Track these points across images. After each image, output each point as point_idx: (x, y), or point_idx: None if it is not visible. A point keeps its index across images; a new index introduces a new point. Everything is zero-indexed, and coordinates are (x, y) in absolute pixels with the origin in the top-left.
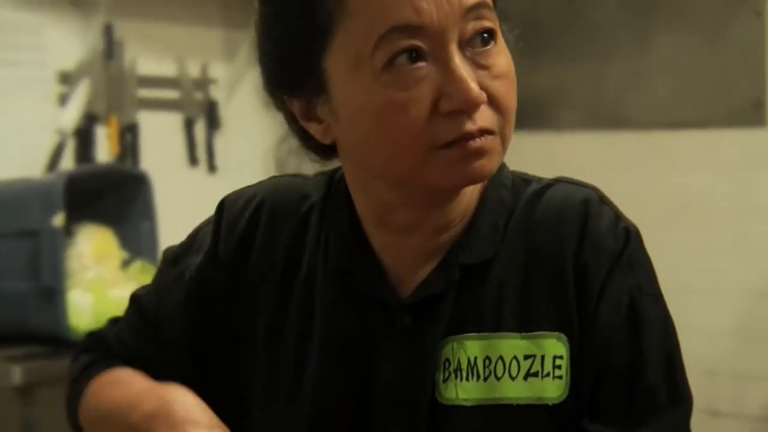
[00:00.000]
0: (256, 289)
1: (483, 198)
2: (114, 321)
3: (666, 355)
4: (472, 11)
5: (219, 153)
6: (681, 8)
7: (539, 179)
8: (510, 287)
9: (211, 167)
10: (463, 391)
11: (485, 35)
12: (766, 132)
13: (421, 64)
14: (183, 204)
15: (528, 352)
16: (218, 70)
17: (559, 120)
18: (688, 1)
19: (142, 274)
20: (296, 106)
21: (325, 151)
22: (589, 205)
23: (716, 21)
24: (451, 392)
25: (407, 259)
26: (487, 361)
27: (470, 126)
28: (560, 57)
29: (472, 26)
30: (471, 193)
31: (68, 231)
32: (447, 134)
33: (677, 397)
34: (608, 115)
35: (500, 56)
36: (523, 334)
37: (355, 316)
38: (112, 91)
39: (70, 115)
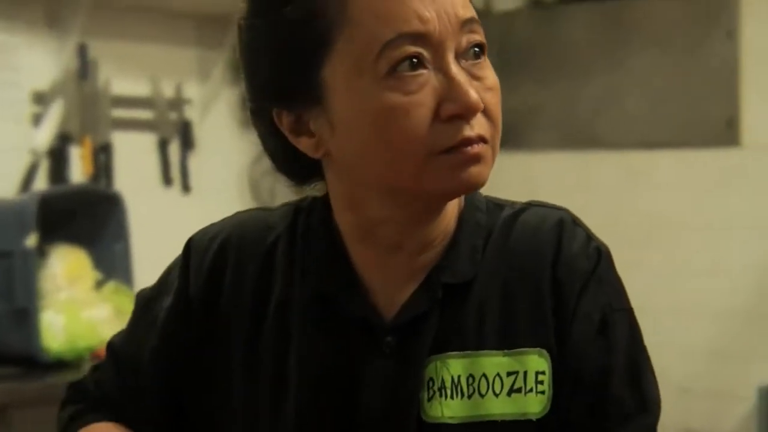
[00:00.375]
0: (229, 325)
1: (461, 219)
2: (94, 369)
3: (632, 363)
4: (466, 24)
5: (193, 173)
6: (654, 29)
7: (512, 204)
8: (490, 307)
9: (185, 187)
10: (448, 409)
11: (477, 49)
12: (740, 151)
13: (423, 71)
14: (157, 224)
15: (511, 369)
16: (192, 90)
17: (533, 140)
18: (661, 22)
19: (116, 295)
20: (285, 121)
21: (301, 173)
22: (563, 226)
23: (689, 41)
24: (436, 410)
25: (391, 278)
26: (470, 379)
27: (469, 132)
28: (534, 78)
29: (466, 39)
30: (450, 214)
31: (41, 252)
32: (448, 139)
33: (643, 404)
34: (582, 135)
35: (489, 70)
36: (505, 351)
37: (337, 338)
38: (86, 111)
39: (44, 135)
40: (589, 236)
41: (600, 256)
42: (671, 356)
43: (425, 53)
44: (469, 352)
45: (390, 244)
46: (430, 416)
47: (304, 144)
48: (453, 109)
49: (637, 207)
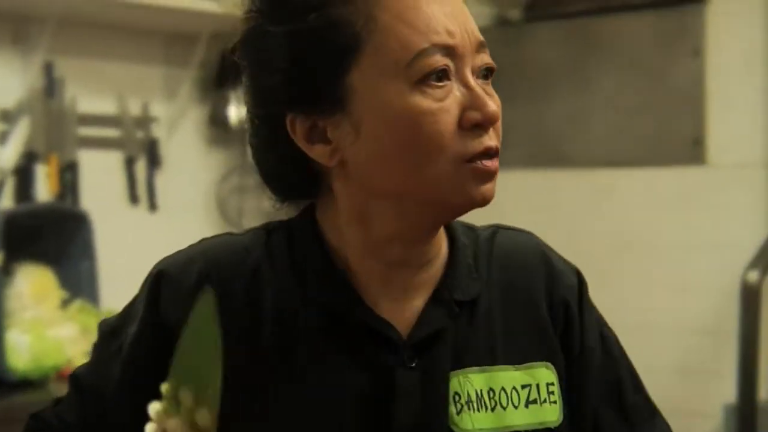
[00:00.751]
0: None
1: (452, 238)
2: (56, 401)
3: (632, 372)
4: (481, 47)
5: (160, 191)
6: (621, 48)
7: (478, 226)
8: (496, 323)
9: (152, 206)
10: (477, 422)
11: (487, 71)
12: (705, 170)
13: (447, 81)
14: (124, 243)
15: (524, 382)
16: (159, 109)
17: (502, 158)
18: (628, 41)
19: (81, 314)
20: (299, 128)
21: (295, 188)
22: (542, 248)
23: (656, 60)
24: (467, 423)
25: (394, 293)
26: (491, 393)
27: (489, 141)
28: (502, 96)
29: (480, 59)
30: (442, 233)
31: (7, 270)
32: (474, 145)
33: (652, 407)
34: (550, 154)
35: (493, 91)
36: (516, 366)
37: (356, 353)
38: (52, 129)
39: (10, 153)
40: (563, 258)
41: (580, 276)
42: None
43: (450, 65)
44: (485, 367)
45: (394, 260)
46: (462, 429)
47: (318, 151)
48: (476, 117)
49: (604, 225)
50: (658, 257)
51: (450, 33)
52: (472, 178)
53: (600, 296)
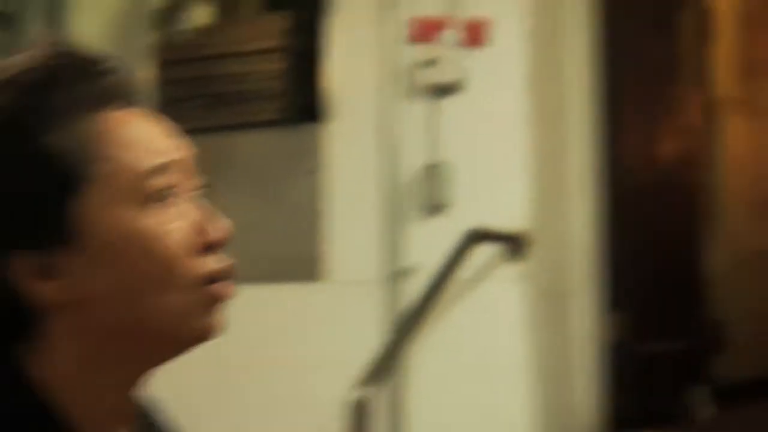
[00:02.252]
0: None
1: None
2: None
3: None
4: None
5: None
6: (238, 164)
7: None
8: None
9: None
10: None
11: (202, 188)
12: (321, 286)
13: (176, 201)
14: None
15: None
16: None
17: None
18: (245, 157)
19: None
20: (21, 268)
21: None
22: None
23: (273, 178)
24: None
25: None
26: None
27: (225, 261)
28: None
29: (197, 178)
30: None
31: None
32: (211, 265)
33: None
34: None
35: None
36: None
37: None
38: None
39: None
40: None
41: None
42: None
43: (177, 183)
44: None
45: (118, 415)
46: None
47: (47, 288)
48: (213, 236)
49: (231, 342)
50: (274, 375)
51: (174, 151)
52: (212, 304)
53: (217, 417)
